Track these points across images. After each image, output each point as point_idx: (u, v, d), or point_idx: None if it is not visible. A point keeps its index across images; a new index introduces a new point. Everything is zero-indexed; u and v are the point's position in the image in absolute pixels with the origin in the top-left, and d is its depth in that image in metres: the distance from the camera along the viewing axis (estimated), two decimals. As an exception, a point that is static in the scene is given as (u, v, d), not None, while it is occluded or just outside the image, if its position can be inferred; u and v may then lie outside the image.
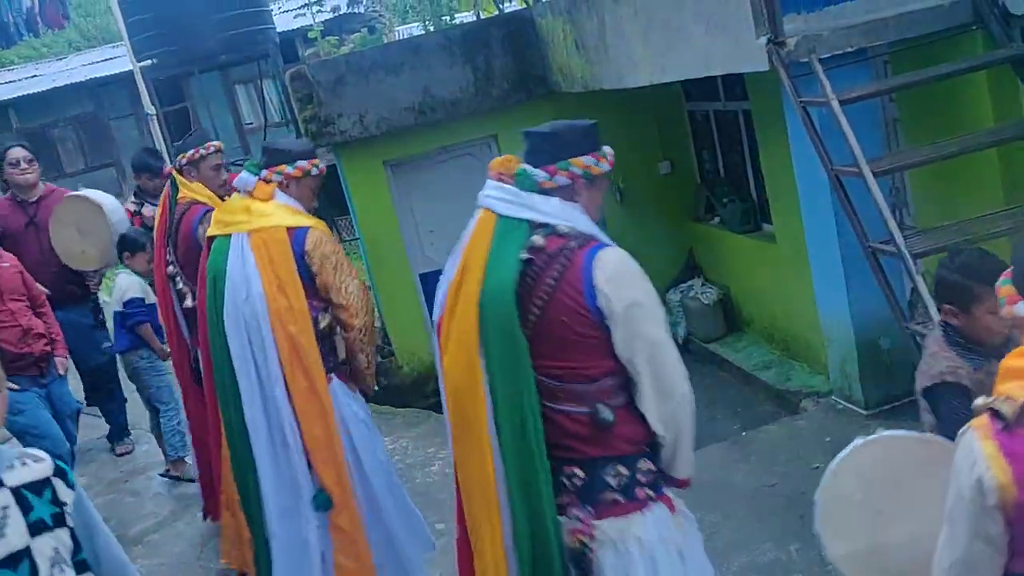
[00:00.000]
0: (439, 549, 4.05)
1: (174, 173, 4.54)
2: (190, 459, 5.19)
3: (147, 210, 5.54)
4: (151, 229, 5.04)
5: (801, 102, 4.34)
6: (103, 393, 6.08)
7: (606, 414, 2.46)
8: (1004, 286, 1.93)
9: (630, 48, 5.75)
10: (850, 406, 5.29)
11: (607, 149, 2.59)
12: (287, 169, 3.64)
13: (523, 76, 7.30)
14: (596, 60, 6.35)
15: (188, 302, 4.41)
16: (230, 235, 3.60)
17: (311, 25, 9.28)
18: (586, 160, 2.53)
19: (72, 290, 5.70)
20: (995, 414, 1.78)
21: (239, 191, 3.70)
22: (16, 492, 1.82)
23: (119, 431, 6.26)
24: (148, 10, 9.76)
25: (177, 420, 5.33)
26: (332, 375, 3.63)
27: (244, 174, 3.67)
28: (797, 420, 5.45)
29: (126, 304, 5.26)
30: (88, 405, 6.16)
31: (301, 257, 3.53)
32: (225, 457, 3.78)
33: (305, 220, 3.62)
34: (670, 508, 2.60)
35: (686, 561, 2.57)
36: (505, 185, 2.56)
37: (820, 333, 5.51)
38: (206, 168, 4.52)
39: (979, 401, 1.84)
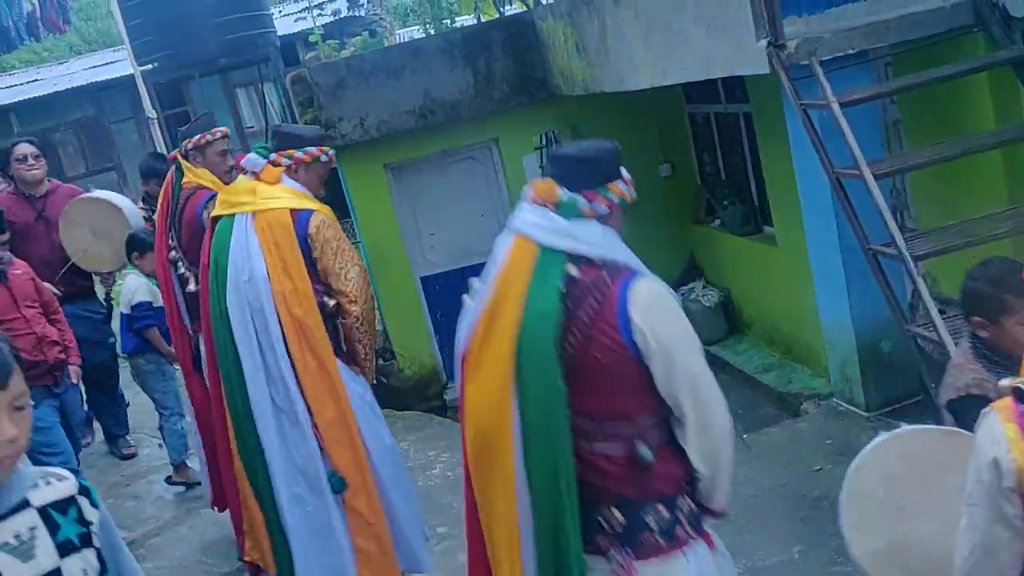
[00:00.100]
0: (440, 552, 4.05)
1: (179, 158, 4.50)
2: (195, 460, 5.17)
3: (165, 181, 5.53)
4: None
5: (802, 104, 4.34)
6: (104, 391, 6.07)
7: (646, 454, 2.35)
8: None
9: (631, 51, 5.75)
10: (851, 408, 5.29)
11: (626, 172, 2.50)
12: (297, 154, 3.62)
13: (524, 79, 7.30)
14: (597, 63, 6.35)
15: (191, 287, 4.37)
16: (234, 215, 3.58)
17: (312, 29, 9.30)
18: (621, 186, 2.43)
19: (81, 284, 5.70)
20: (1019, 396, 1.77)
21: (246, 171, 3.68)
22: (43, 512, 1.78)
23: (118, 431, 6.23)
24: (149, 14, 9.78)
25: (180, 425, 5.32)
26: (336, 358, 3.61)
27: (253, 155, 3.64)
28: (798, 423, 5.45)
29: (134, 307, 5.23)
30: (87, 408, 6.15)
31: (304, 240, 3.51)
32: (234, 450, 3.74)
33: (310, 204, 3.60)
34: (710, 545, 2.50)
35: None
36: (544, 211, 2.40)
37: (821, 335, 5.50)
38: (212, 154, 4.48)
39: (1004, 382, 1.82)
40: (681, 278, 7.68)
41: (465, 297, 2.61)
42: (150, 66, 10.13)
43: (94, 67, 17.09)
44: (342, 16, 12.60)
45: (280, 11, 15.34)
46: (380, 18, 11.65)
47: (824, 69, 4.21)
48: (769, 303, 6.60)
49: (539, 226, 2.39)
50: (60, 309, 5.04)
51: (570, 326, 2.31)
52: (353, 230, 7.76)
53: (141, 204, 5.91)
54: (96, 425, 6.43)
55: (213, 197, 4.23)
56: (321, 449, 3.53)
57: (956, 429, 2.57)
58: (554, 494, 2.34)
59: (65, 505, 1.82)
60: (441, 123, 7.25)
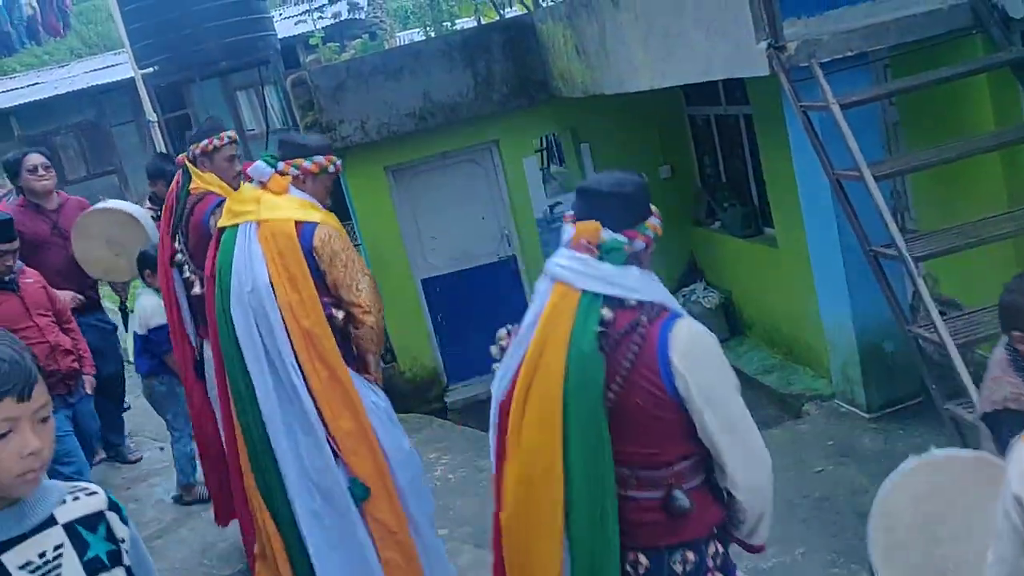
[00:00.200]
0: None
1: (186, 163, 4.46)
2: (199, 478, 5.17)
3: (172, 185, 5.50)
4: None
5: (802, 106, 4.35)
6: (111, 400, 6.04)
7: (683, 502, 2.29)
8: None
9: (630, 53, 5.76)
10: (853, 409, 5.29)
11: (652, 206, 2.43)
12: (304, 164, 3.59)
13: (524, 81, 7.31)
14: (597, 65, 6.36)
15: (196, 290, 4.34)
16: (238, 225, 3.54)
17: (312, 31, 9.31)
18: (654, 221, 2.36)
19: (92, 296, 5.68)
20: None
21: (252, 180, 3.64)
22: (70, 528, 1.70)
23: (116, 440, 6.21)
24: (149, 17, 9.77)
25: (190, 447, 5.27)
26: (348, 367, 3.56)
27: (260, 164, 3.60)
28: (800, 424, 5.45)
29: (151, 331, 5.11)
30: None
31: (309, 252, 3.46)
32: (245, 466, 3.65)
33: (315, 214, 3.55)
34: None
35: None
36: (581, 255, 2.31)
37: (822, 337, 5.51)
38: (220, 159, 4.42)
39: None
40: (681, 280, 7.68)
41: (493, 348, 2.57)
42: (150, 69, 10.13)
43: (94, 70, 17.10)
44: (342, 19, 12.62)
45: (280, 14, 15.37)
46: (380, 21, 11.68)
47: (824, 71, 4.22)
48: (770, 304, 6.61)
49: (578, 272, 2.31)
50: (73, 318, 4.99)
51: (611, 372, 2.25)
52: (354, 232, 7.77)
53: (148, 204, 5.89)
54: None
55: (221, 203, 4.19)
56: (337, 458, 3.47)
57: (986, 455, 2.52)
58: (596, 543, 2.27)
59: (94, 521, 1.74)
60: (441, 125, 7.26)
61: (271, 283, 3.41)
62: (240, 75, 12.94)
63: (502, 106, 7.30)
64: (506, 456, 2.43)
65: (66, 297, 5.14)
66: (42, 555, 1.66)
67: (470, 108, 7.25)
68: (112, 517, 1.77)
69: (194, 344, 4.53)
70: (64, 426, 4.61)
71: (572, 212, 2.42)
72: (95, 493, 1.78)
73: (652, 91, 5.88)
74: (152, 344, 5.15)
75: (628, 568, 2.34)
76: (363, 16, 12.95)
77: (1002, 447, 2.45)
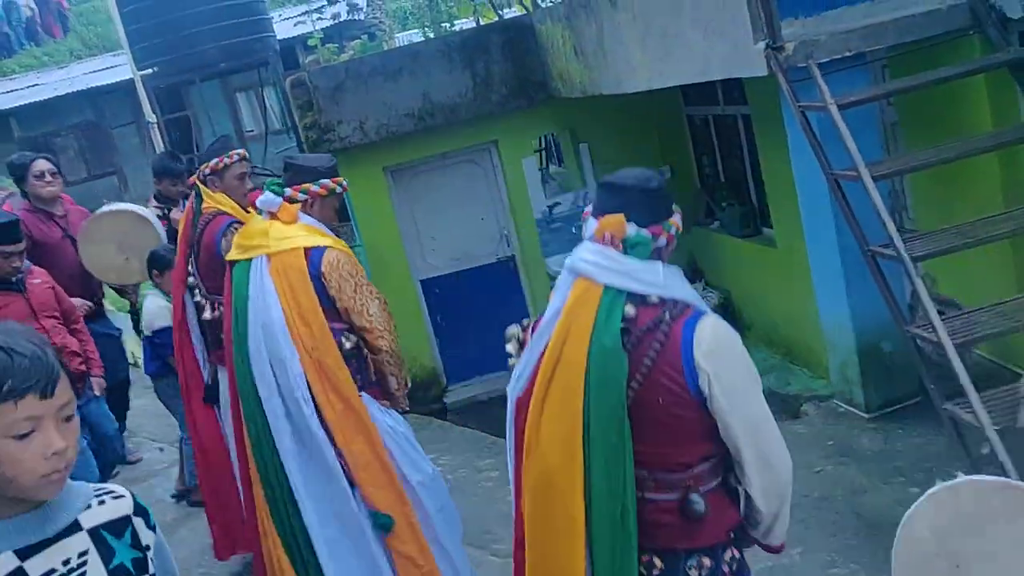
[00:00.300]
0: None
1: (198, 183, 4.42)
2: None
3: (175, 213, 5.46)
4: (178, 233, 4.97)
5: (800, 107, 4.35)
6: (116, 407, 6.00)
7: (699, 505, 2.25)
8: None
9: (629, 53, 5.76)
10: (851, 409, 5.29)
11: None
12: (312, 188, 3.54)
13: (523, 82, 7.31)
14: (595, 65, 6.37)
15: (206, 315, 4.32)
16: (250, 260, 3.50)
17: (311, 32, 9.32)
18: (677, 219, 2.32)
19: (99, 302, 5.67)
20: None
21: (260, 212, 3.59)
22: (95, 534, 1.62)
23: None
24: (148, 19, 9.80)
25: None
26: (362, 392, 3.51)
27: (268, 195, 3.54)
28: (798, 424, 5.45)
29: (155, 333, 5.11)
30: None
31: (317, 279, 3.42)
32: (260, 499, 3.58)
33: (323, 240, 3.51)
34: None
35: None
36: (605, 250, 2.27)
37: (821, 337, 5.51)
38: (230, 177, 4.39)
39: None
40: (681, 280, 7.68)
41: (509, 345, 2.51)
42: (150, 71, 10.15)
43: (94, 71, 17.10)
44: (342, 20, 12.62)
45: (280, 15, 15.38)
46: (379, 22, 11.69)
47: (822, 71, 4.22)
48: (769, 305, 6.61)
49: (602, 267, 2.27)
50: (81, 319, 4.95)
51: (631, 369, 2.21)
52: (353, 233, 7.78)
53: (154, 203, 5.88)
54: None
55: (232, 225, 4.19)
56: (354, 489, 3.42)
57: (1012, 481, 2.49)
58: (616, 543, 2.24)
59: (120, 526, 1.67)
60: (440, 126, 7.27)
61: (284, 319, 3.38)
62: (239, 76, 12.97)
63: (501, 106, 7.31)
64: (524, 454, 2.39)
65: (76, 304, 5.09)
66: (66, 562, 1.59)
67: (469, 109, 7.25)
68: (138, 522, 1.71)
69: (203, 369, 4.49)
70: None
71: (590, 207, 2.39)
72: (122, 496, 1.71)
73: (651, 91, 5.88)
74: (156, 346, 5.14)
75: (642, 570, 2.30)
76: (362, 17, 12.96)
77: None
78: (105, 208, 5.69)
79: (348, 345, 3.48)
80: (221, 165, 4.36)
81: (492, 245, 7.80)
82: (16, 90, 17.04)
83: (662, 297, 2.24)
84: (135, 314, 6.03)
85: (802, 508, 4.45)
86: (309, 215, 3.56)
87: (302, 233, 3.50)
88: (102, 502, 1.67)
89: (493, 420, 6.81)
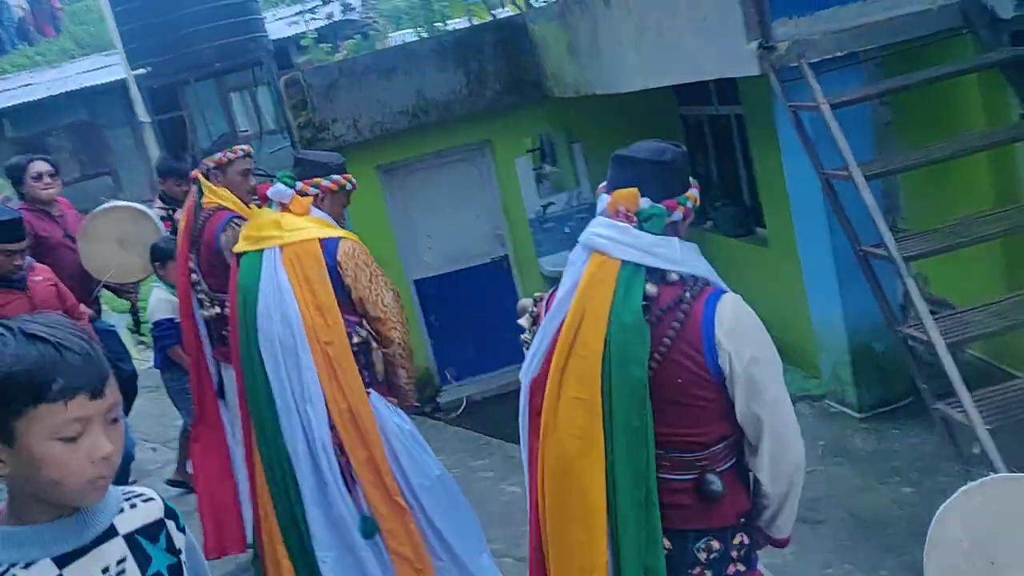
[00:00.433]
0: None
1: (200, 177, 4.39)
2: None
3: (180, 214, 5.45)
4: None
5: (792, 106, 4.35)
6: (126, 401, 5.95)
7: (716, 485, 2.22)
8: None
9: (622, 53, 5.76)
10: (844, 409, 5.30)
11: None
12: (323, 182, 3.54)
13: (517, 81, 7.30)
14: (588, 65, 6.36)
15: (208, 311, 4.30)
16: (261, 251, 3.45)
17: (305, 32, 9.30)
18: (694, 192, 2.29)
19: (96, 300, 5.62)
20: None
21: (271, 202, 3.57)
22: (130, 540, 1.55)
23: None
24: (142, 18, 9.78)
25: None
26: (370, 390, 3.49)
27: (280, 186, 3.53)
28: (791, 424, 5.45)
29: (155, 325, 5.08)
30: None
31: (333, 269, 3.40)
32: (264, 494, 3.54)
33: (336, 231, 3.51)
34: None
35: None
36: (619, 224, 2.23)
37: (813, 337, 5.51)
38: (233, 173, 4.36)
39: None
40: (674, 280, 7.68)
41: (523, 320, 2.51)
42: (143, 70, 10.13)
43: (87, 71, 17.06)
44: (336, 20, 12.59)
45: (274, 15, 15.35)
46: (373, 21, 11.66)
47: (814, 71, 4.23)
48: (761, 304, 6.53)
49: (617, 241, 2.22)
50: (84, 315, 4.89)
51: (651, 348, 2.17)
52: (346, 233, 7.75)
53: (159, 204, 5.85)
54: None
55: (232, 219, 4.17)
56: (355, 487, 3.42)
57: None
58: (641, 526, 2.18)
59: (154, 531, 1.60)
60: (434, 124, 7.25)
61: (299, 311, 3.35)
62: (233, 76, 12.94)
63: (495, 106, 7.30)
64: (541, 438, 2.34)
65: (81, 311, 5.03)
66: (105, 570, 1.51)
67: (463, 108, 7.24)
68: (171, 525, 1.64)
69: (210, 367, 4.47)
70: None
71: (604, 183, 2.34)
72: (152, 499, 1.64)
73: (644, 91, 5.88)
74: (156, 338, 5.11)
75: None
76: (356, 17, 12.93)
77: None
78: (103, 206, 5.66)
79: (356, 340, 3.46)
80: (225, 160, 4.34)
81: (486, 245, 7.79)
82: (8, 90, 16.99)
83: (682, 275, 2.21)
84: (135, 314, 6.01)
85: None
86: (320, 209, 3.55)
87: (315, 225, 3.48)
88: (133, 506, 1.60)
89: (488, 420, 6.81)
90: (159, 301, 5.06)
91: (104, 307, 6.43)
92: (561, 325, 2.28)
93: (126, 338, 6.55)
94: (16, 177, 5.49)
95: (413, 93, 7.14)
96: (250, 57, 10.34)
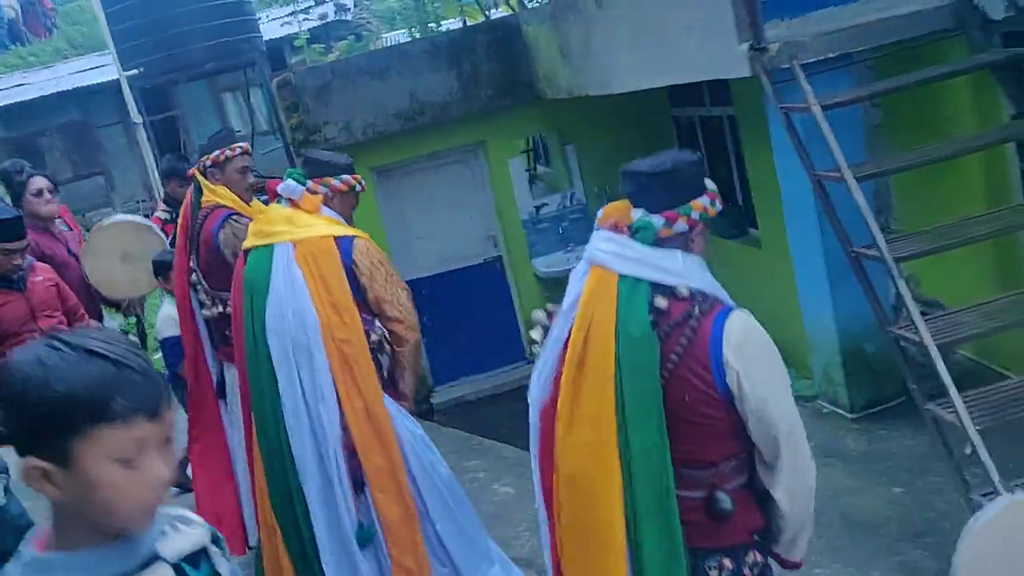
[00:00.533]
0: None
1: (197, 175, 4.32)
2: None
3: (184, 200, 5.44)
4: None
5: (783, 108, 4.36)
6: None
7: (725, 503, 2.19)
8: None
9: (614, 55, 5.77)
10: (836, 410, 5.30)
11: (710, 183, 2.28)
12: (333, 182, 3.49)
13: (510, 82, 7.31)
14: (581, 66, 6.37)
15: (208, 311, 4.24)
16: (270, 246, 3.37)
17: (298, 33, 9.28)
18: (703, 201, 2.22)
19: (100, 316, 5.58)
20: None
21: (281, 198, 3.50)
22: (177, 568, 1.47)
23: None
24: (134, 18, 9.74)
25: None
26: (384, 393, 3.40)
27: (291, 182, 3.46)
28: (783, 424, 5.46)
29: (162, 343, 5.04)
30: None
31: (349, 267, 3.33)
32: (262, 497, 3.46)
33: (349, 230, 3.46)
34: None
35: None
36: (619, 238, 2.21)
37: (805, 338, 5.52)
38: (232, 171, 4.28)
39: None
40: (667, 281, 7.68)
41: (534, 332, 2.44)
42: (135, 71, 10.09)
43: (80, 71, 17.00)
44: (329, 20, 12.60)
45: (267, 15, 15.33)
46: (367, 22, 11.66)
47: (806, 72, 4.23)
48: (753, 305, 6.52)
49: (615, 254, 2.21)
50: (86, 315, 4.81)
51: (660, 363, 2.14)
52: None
53: (163, 206, 5.81)
54: None
55: (229, 217, 4.12)
56: (363, 491, 3.33)
57: None
58: (664, 544, 2.15)
59: (197, 558, 1.52)
60: (427, 126, 7.25)
61: (315, 308, 3.26)
62: (227, 77, 12.92)
63: (488, 107, 7.30)
64: (556, 461, 2.29)
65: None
66: None
67: (456, 109, 7.24)
68: (214, 551, 1.56)
69: (211, 368, 4.41)
70: None
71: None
72: (195, 523, 1.55)
73: (637, 92, 5.88)
74: (164, 357, 5.04)
75: None
76: (350, 18, 12.93)
77: None
78: (105, 221, 5.63)
79: (374, 337, 3.37)
80: (223, 157, 4.27)
81: (479, 246, 7.79)
82: (1, 90, 16.92)
83: (692, 290, 2.18)
84: (141, 329, 5.98)
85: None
86: (330, 208, 3.49)
87: (327, 223, 3.42)
88: (175, 529, 1.51)
89: (480, 421, 6.81)
90: (166, 319, 5.00)
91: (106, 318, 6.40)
92: (566, 344, 2.26)
93: None
94: (7, 181, 5.45)
95: (406, 95, 7.14)
96: (243, 58, 10.30)
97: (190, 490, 5.31)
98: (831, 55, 4.38)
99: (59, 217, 5.50)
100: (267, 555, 3.55)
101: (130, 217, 5.61)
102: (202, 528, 1.55)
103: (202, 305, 4.30)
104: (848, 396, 5.19)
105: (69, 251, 5.41)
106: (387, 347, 3.45)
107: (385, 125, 7.18)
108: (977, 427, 3.46)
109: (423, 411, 7.46)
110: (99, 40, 17.15)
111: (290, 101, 7.16)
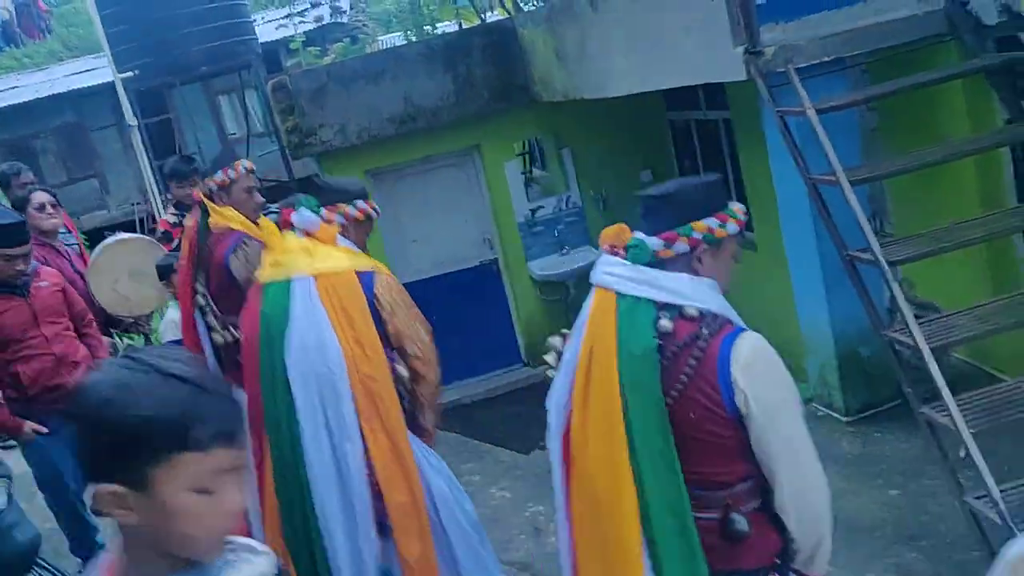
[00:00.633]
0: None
1: (204, 200, 4.25)
2: None
3: (188, 220, 5.43)
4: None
5: (778, 111, 4.37)
6: None
7: (741, 524, 2.19)
8: None
9: (610, 58, 5.78)
10: (831, 413, 5.32)
11: (736, 206, 2.30)
12: (349, 211, 3.39)
13: (506, 86, 7.31)
14: (576, 70, 6.37)
15: (218, 336, 4.16)
16: (290, 280, 3.25)
17: (294, 36, 9.28)
18: (708, 222, 2.24)
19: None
20: None
21: (296, 230, 3.36)
22: None
23: None
24: (129, 21, 9.73)
25: None
26: (409, 431, 3.31)
27: (306, 213, 3.32)
28: (778, 428, 5.47)
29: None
30: None
31: (371, 302, 3.23)
32: (277, 534, 3.31)
33: (368, 263, 3.36)
34: None
35: None
36: (619, 260, 2.27)
37: (800, 341, 5.53)
38: (238, 191, 4.22)
39: None
40: (663, 284, 7.69)
41: (549, 356, 2.48)
42: (130, 73, 10.09)
43: (75, 74, 16.97)
44: (325, 23, 12.60)
45: (263, 18, 15.32)
46: (363, 25, 11.67)
47: (801, 76, 4.24)
48: (749, 309, 6.56)
49: (615, 275, 2.25)
50: (94, 322, 4.77)
51: (667, 384, 2.16)
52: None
53: (172, 210, 5.79)
54: None
55: (240, 241, 4.05)
56: (385, 531, 3.23)
57: None
58: (684, 556, 2.15)
59: None
60: (422, 129, 7.25)
61: (339, 343, 3.16)
62: (223, 79, 12.91)
63: (484, 110, 7.31)
64: (574, 483, 2.31)
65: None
66: None
67: (451, 112, 7.24)
68: None
69: None
70: (41, 448, 4.38)
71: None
72: (261, 553, 1.47)
73: (633, 95, 5.89)
74: None
75: None
76: (345, 20, 12.93)
77: None
78: (109, 240, 5.62)
79: (404, 373, 3.29)
80: (228, 180, 4.20)
81: (475, 249, 7.79)
82: (-5, 92, 16.88)
83: (702, 311, 2.19)
84: (148, 344, 5.97)
85: (782, 511, 4.46)
86: (346, 238, 3.39)
87: (347, 255, 3.32)
88: (243, 558, 1.44)
89: (476, 424, 6.80)
90: (168, 323, 5.01)
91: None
92: (575, 367, 2.29)
93: None
94: (6, 183, 5.45)
95: (402, 98, 7.14)
96: (238, 60, 10.30)
97: None
98: (826, 59, 4.39)
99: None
100: None
101: (135, 235, 5.61)
102: (268, 558, 1.48)
103: (211, 329, 4.22)
104: (843, 399, 5.20)
105: (73, 267, 5.40)
106: (408, 383, 3.36)
107: (380, 128, 7.19)
108: (971, 430, 3.47)
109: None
110: (94, 42, 17.13)
111: (285, 104, 7.15)
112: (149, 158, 10.97)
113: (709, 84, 5.61)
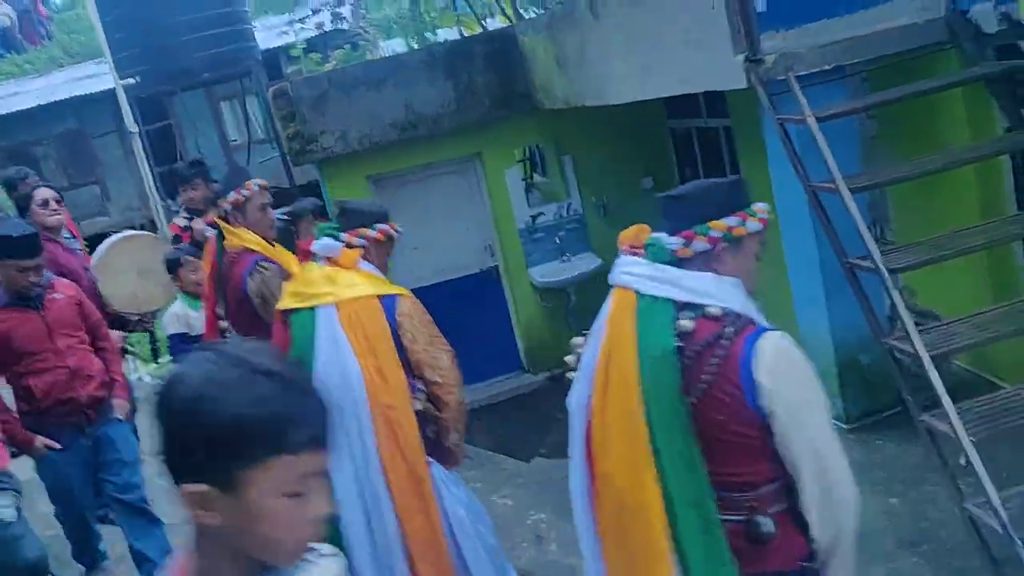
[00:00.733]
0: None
1: (218, 221, 4.24)
2: None
3: (197, 223, 5.42)
4: (200, 245, 4.86)
5: (779, 119, 4.38)
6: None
7: (766, 527, 2.17)
8: None
9: (610, 65, 5.79)
10: (831, 421, 5.31)
11: (760, 206, 2.30)
12: (370, 233, 3.39)
13: (506, 93, 7.33)
14: (577, 77, 6.39)
15: None
16: (314, 308, 3.26)
17: (295, 42, 9.30)
18: (728, 221, 2.23)
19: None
20: None
21: (317, 258, 3.37)
22: None
23: None
24: (131, 27, 9.77)
25: None
26: (430, 459, 3.33)
27: (327, 240, 3.35)
28: (779, 435, 5.46)
29: (168, 339, 5.02)
30: None
31: (392, 327, 3.24)
32: None
33: (391, 288, 3.37)
34: None
35: None
36: (638, 259, 2.27)
37: (800, 347, 5.52)
38: (253, 210, 4.20)
39: None
40: (663, 291, 7.70)
41: (569, 357, 2.48)
42: (132, 80, 10.11)
43: (76, 80, 16.99)
44: (326, 30, 12.62)
45: (263, 24, 15.35)
46: (364, 31, 11.68)
47: (801, 84, 4.26)
48: (750, 315, 6.61)
49: (634, 275, 2.25)
50: (109, 335, 4.74)
51: (689, 384, 2.15)
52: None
53: (184, 213, 5.81)
54: None
55: (258, 263, 4.05)
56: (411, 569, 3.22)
57: None
58: (709, 551, 2.14)
59: None
60: (424, 136, 7.27)
61: (360, 371, 3.17)
62: (224, 86, 12.94)
63: (485, 117, 7.32)
64: (596, 483, 2.31)
65: (115, 337, 4.94)
66: None
67: (452, 119, 7.26)
68: None
69: None
70: (55, 463, 4.35)
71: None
72: (329, 555, 1.42)
73: (634, 103, 5.91)
74: (170, 353, 5.13)
75: None
76: (346, 27, 12.96)
77: None
78: (115, 237, 5.62)
79: (419, 405, 3.29)
80: (242, 199, 4.19)
81: (475, 256, 7.79)
82: (-3, 98, 16.90)
83: (725, 310, 2.18)
84: (154, 343, 5.98)
85: (782, 518, 4.46)
86: (367, 262, 3.39)
87: (369, 281, 3.32)
88: (313, 561, 1.39)
89: (477, 431, 6.80)
90: (171, 316, 5.03)
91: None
92: (595, 368, 2.29)
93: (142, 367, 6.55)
94: (12, 187, 5.47)
95: (403, 105, 7.15)
96: (239, 67, 10.34)
97: None
98: (826, 67, 4.41)
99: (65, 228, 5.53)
100: None
101: (142, 232, 5.65)
102: (336, 559, 1.43)
103: None
104: (843, 406, 5.21)
105: (84, 267, 5.41)
106: (430, 413, 3.36)
107: (381, 135, 7.20)
108: (971, 437, 3.48)
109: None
110: (95, 49, 17.15)
111: (286, 111, 7.16)
112: (150, 165, 11.00)
113: (710, 92, 5.62)
